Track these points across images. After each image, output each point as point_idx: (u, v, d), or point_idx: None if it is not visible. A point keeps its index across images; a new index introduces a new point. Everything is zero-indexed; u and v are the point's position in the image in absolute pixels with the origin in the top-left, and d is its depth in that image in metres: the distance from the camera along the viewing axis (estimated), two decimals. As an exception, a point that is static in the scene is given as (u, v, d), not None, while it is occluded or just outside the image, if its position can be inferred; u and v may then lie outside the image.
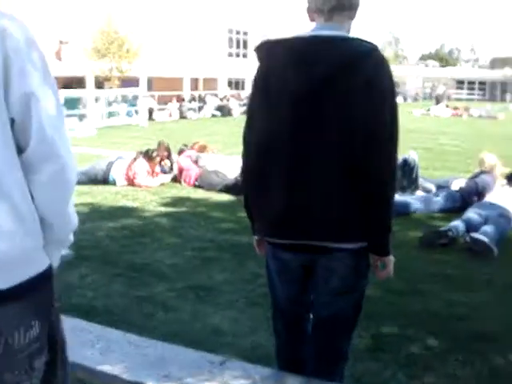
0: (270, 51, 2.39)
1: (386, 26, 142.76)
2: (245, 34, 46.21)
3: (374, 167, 2.21)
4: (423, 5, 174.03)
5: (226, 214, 7.62)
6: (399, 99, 44.83)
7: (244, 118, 2.48)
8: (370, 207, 2.26)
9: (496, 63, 68.27)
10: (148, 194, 8.86)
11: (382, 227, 2.32)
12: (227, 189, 8.82)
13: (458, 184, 8.57)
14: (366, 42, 2.25)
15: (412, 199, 7.90)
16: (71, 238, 1.90)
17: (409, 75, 63.74)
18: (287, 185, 2.32)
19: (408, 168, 8.56)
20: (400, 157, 8.10)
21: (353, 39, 2.28)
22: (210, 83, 39.48)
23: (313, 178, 2.27)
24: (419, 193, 8.52)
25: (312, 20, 2.41)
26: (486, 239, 5.94)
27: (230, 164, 9.99)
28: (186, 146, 10.71)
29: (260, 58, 2.41)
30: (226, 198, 8.59)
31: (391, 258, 2.41)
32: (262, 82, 2.38)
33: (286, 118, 2.28)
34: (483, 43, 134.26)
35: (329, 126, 2.23)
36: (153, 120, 25.95)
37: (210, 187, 9.13)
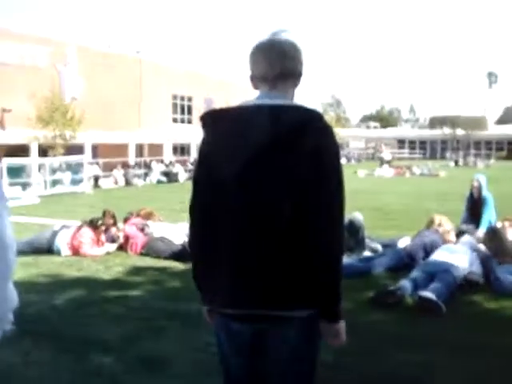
0: (214, 121, 2.38)
1: (328, 88, 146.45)
2: (189, 99, 46.72)
3: (322, 235, 2.21)
4: (363, 66, 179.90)
5: (173, 281, 7.51)
6: (343, 160, 45.78)
7: (190, 183, 2.46)
8: (320, 275, 2.24)
9: (435, 122, 70.57)
10: (94, 263, 8.68)
11: (332, 294, 2.29)
12: (174, 256, 8.71)
13: (404, 243, 8.70)
14: (310, 109, 2.27)
15: (359, 260, 7.96)
16: (11, 316, 1.83)
17: (352, 136, 65.40)
18: (235, 254, 2.30)
19: (354, 229, 8.64)
20: (345, 218, 8.20)
21: (298, 107, 2.30)
22: (156, 149, 39.58)
23: (261, 247, 2.25)
24: (366, 253, 8.59)
25: (256, 88, 2.42)
26: (433, 297, 6.00)
27: (176, 231, 9.92)
28: (131, 213, 10.61)
29: (205, 128, 2.40)
30: (173, 265, 8.46)
31: (342, 325, 2.38)
32: (207, 151, 2.37)
33: (231, 187, 2.27)
34: (422, 103, 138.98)
35: (276, 196, 2.22)
36: (98, 187, 25.75)
37: (156, 255, 9.00)
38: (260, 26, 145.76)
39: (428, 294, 6.06)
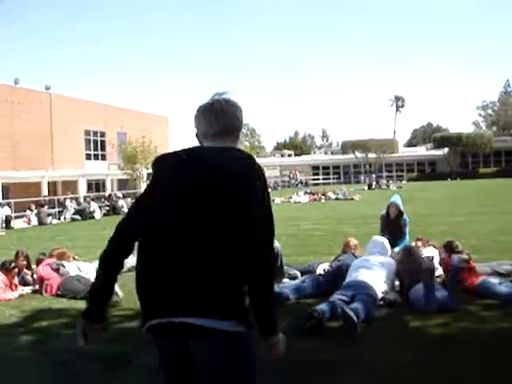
0: (160, 161, 2.68)
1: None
2: (102, 134, 46.13)
3: (257, 262, 2.41)
4: (275, 94, 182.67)
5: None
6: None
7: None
8: (254, 292, 2.41)
9: (347, 146, 72.06)
10: (6, 308, 8.33)
11: (268, 305, 2.45)
12: (91, 294, 8.46)
13: (322, 268, 8.79)
14: (241, 150, 2.59)
15: (279, 288, 7.97)
16: None
17: (267, 165, 66.15)
18: (169, 268, 2.40)
19: (272, 256, 8.66)
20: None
21: (230, 148, 2.60)
22: (70, 186, 38.75)
23: (194, 264, 2.38)
24: (285, 280, 8.63)
25: (200, 144, 2.75)
26: (354, 317, 6.04)
27: (93, 269, 9.68)
28: (44, 254, 10.29)
29: (153, 170, 2.70)
30: (91, 304, 8.20)
31: (281, 337, 2.42)
32: (152, 186, 2.65)
33: (165, 214, 2.48)
34: (334, 128, 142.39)
35: (206, 224, 2.40)
36: (11, 228, 24.93)
37: (73, 295, 8.72)
38: (173, 55, 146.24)
39: (350, 312, 6.10)
